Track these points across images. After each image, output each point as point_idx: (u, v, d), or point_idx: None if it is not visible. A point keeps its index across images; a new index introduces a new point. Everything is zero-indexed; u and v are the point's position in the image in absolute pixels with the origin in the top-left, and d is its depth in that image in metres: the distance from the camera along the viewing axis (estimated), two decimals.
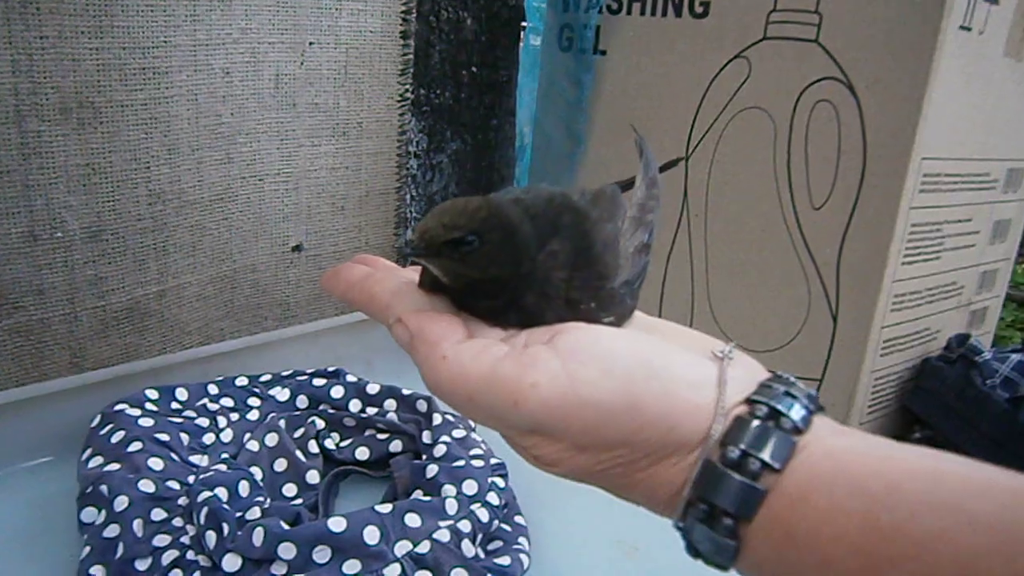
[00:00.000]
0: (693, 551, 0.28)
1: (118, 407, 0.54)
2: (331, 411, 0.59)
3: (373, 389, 0.60)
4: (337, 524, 0.43)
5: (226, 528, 0.44)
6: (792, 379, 0.29)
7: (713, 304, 0.73)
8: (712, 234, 0.72)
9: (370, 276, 0.34)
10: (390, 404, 0.59)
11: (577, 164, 0.82)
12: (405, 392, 0.59)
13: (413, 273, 0.35)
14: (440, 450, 0.53)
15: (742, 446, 0.27)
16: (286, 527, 0.43)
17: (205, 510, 0.45)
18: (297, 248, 0.69)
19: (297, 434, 0.56)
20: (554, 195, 0.34)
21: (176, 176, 0.59)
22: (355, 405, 0.59)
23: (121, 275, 0.58)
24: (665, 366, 0.28)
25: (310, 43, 0.64)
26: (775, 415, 0.27)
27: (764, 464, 0.26)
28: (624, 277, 0.33)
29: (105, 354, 0.59)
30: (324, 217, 0.69)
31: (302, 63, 0.64)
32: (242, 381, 0.62)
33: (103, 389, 0.57)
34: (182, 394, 0.58)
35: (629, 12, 0.76)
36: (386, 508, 0.45)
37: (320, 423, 0.57)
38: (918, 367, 0.68)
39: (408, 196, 0.76)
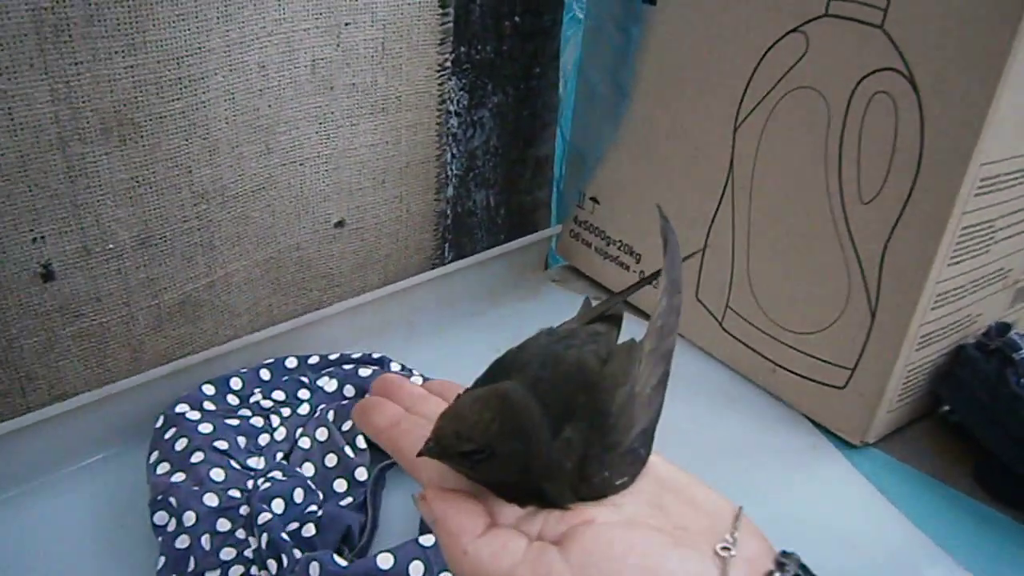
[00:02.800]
0: None
1: (179, 408, 0.58)
2: None
3: (417, 382, 0.62)
4: (385, 561, 0.47)
5: (285, 559, 0.48)
6: (790, 568, 0.30)
7: (752, 279, 0.72)
8: (756, 210, 0.71)
9: (395, 426, 0.37)
10: None
11: (621, 118, 0.80)
12: None
13: (432, 405, 0.38)
14: None
15: None
16: (341, 562, 0.47)
17: (265, 537, 0.49)
18: (340, 224, 0.69)
19: (345, 427, 0.60)
20: (570, 370, 0.34)
21: (218, 175, 0.59)
22: None
23: (172, 274, 0.60)
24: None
25: (346, 24, 0.62)
26: None
27: None
28: (640, 428, 0.34)
29: (162, 346, 0.62)
30: (365, 192, 0.70)
31: (338, 45, 0.62)
32: (291, 362, 0.65)
33: (163, 382, 0.61)
34: (236, 383, 0.62)
35: None
36: (429, 540, 0.49)
37: None
38: (953, 353, 0.68)
39: (449, 155, 0.75)
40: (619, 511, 0.32)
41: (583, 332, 0.38)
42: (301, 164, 0.65)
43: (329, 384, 0.63)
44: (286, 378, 0.63)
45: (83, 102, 0.51)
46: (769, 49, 0.66)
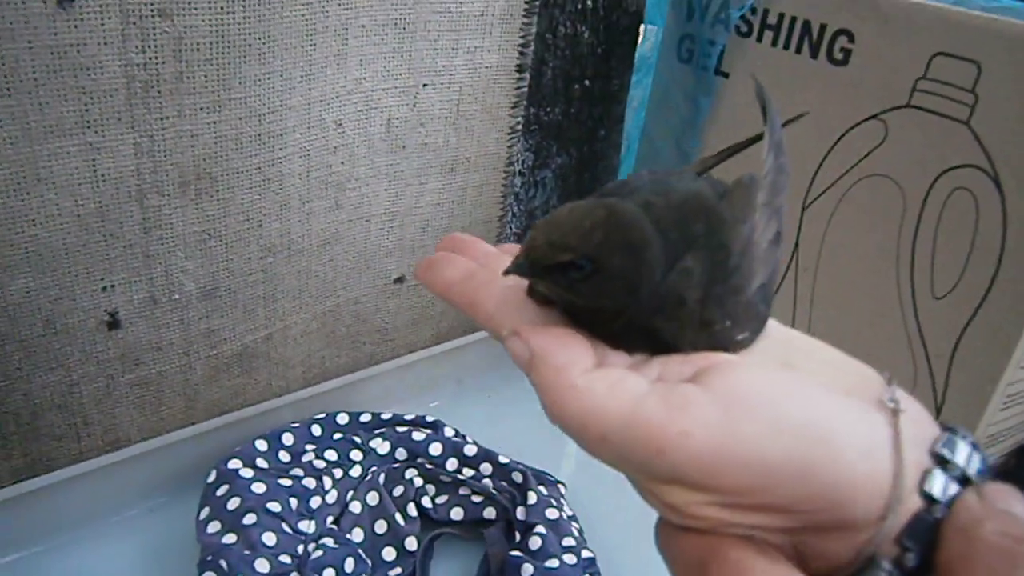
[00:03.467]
0: None
1: (232, 464, 0.57)
2: (428, 467, 0.61)
3: (470, 451, 0.61)
4: None
5: None
6: (968, 448, 0.25)
7: None
8: (819, 292, 0.69)
9: (472, 277, 0.31)
10: (486, 468, 0.61)
11: None
12: (502, 460, 0.61)
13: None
14: (535, 543, 0.54)
15: (920, 554, 0.23)
16: None
17: None
18: (399, 280, 0.69)
19: (397, 492, 0.59)
20: (687, 196, 0.30)
21: (287, 229, 0.59)
22: (452, 464, 0.61)
23: (232, 325, 0.59)
24: (835, 427, 0.24)
25: (424, 85, 0.62)
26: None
27: None
28: (759, 281, 0.29)
29: (216, 396, 0.61)
30: (427, 249, 0.69)
31: (414, 106, 0.62)
32: (343, 419, 0.65)
33: (215, 434, 0.60)
34: (288, 439, 0.61)
35: (760, 39, 0.70)
36: None
37: (418, 480, 0.60)
38: (1016, 453, 0.67)
39: (510, 214, 0.74)
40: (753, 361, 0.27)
41: (690, 173, 0.34)
42: (367, 220, 0.64)
43: (382, 446, 0.62)
44: (339, 436, 0.62)
45: (165, 156, 0.51)
46: (846, 132, 0.65)
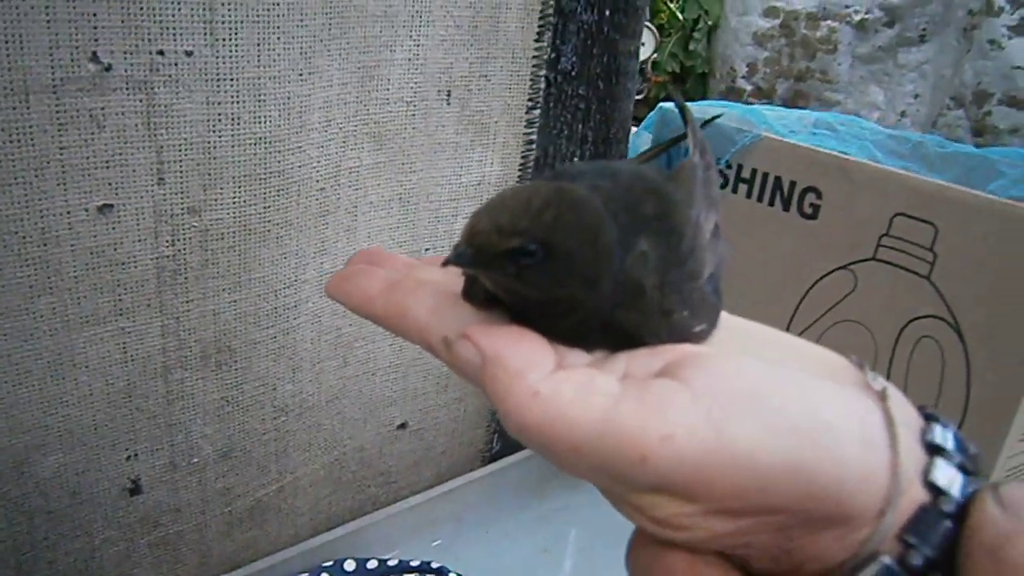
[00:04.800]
0: None
1: None
2: None
3: None
4: None
5: None
6: (948, 427, 0.24)
7: None
8: None
9: (396, 287, 0.27)
10: None
11: None
12: None
13: (439, 275, 0.27)
14: None
15: (929, 553, 0.22)
16: None
17: None
18: (402, 426, 0.72)
19: None
20: (633, 177, 0.27)
21: (299, 389, 0.63)
22: None
23: (246, 482, 0.62)
24: (832, 417, 0.22)
25: (425, 249, 0.66)
26: (962, 515, 0.22)
27: None
28: (709, 270, 0.28)
29: (229, 550, 0.63)
30: (429, 396, 0.72)
31: None
32: (350, 565, 0.67)
33: None
34: None
35: (735, 191, 0.76)
36: None
37: None
38: None
39: None
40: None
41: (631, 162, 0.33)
42: (373, 374, 0.68)
43: None
44: None
45: (189, 334, 0.55)
46: (819, 280, 0.70)
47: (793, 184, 0.71)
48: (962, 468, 0.23)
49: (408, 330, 0.26)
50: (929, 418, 0.25)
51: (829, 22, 2.54)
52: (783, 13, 2.63)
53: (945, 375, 0.63)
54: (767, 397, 0.22)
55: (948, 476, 0.23)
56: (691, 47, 2.85)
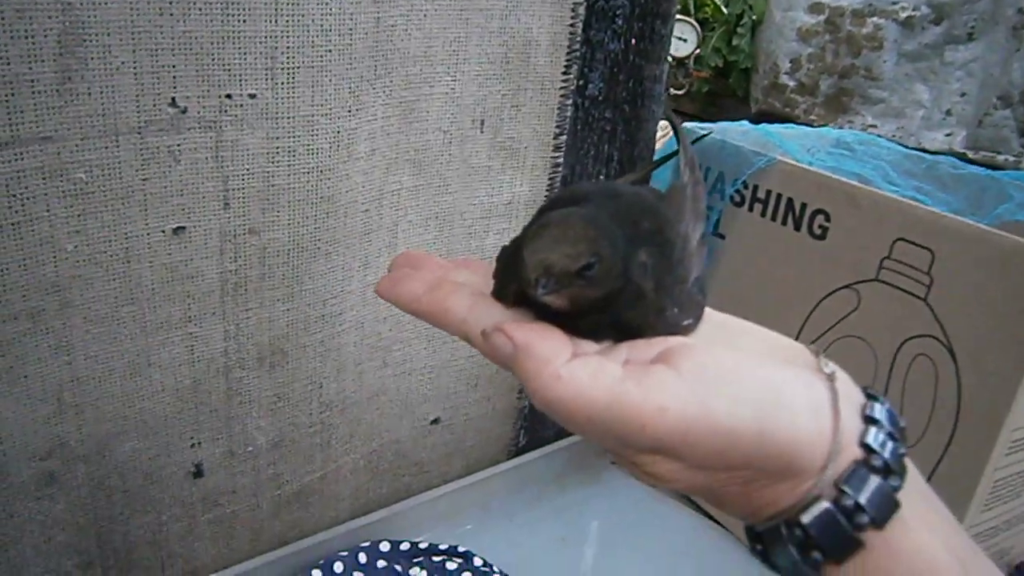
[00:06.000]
0: (761, 555, 0.31)
1: None
2: None
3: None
4: None
5: None
6: (884, 405, 0.31)
7: None
8: None
9: (438, 287, 0.33)
10: None
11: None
12: None
13: (473, 277, 0.35)
14: None
15: (859, 499, 0.28)
16: None
17: None
18: (435, 421, 0.79)
19: None
20: (632, 197, 0.34)
21: (342, 388, 0.70)
22: None
23: (294, 469, 0.69)
24: (790, 394, 0.29)
25: (462, 257, 0.72)
26: (887, 470, 0.29)
27: (872, 521, 0.28)
28: (695, 273, 0.34)
29: (278, 529, 0.71)
30: (460, 394, 0.79)
31: None
32: (385, 546, 0.74)
33: (277, 563, 0.70)
34: (339, 567, 0.70)
35: (751, 209, 0.81)
36: None
37: None
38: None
39: None
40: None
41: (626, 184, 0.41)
42: (409, 374, 0.74)
43: (420, 575, 0.71)
44: (382, 563, 0.72)
45: (247, 338, 0.62)
46: (825, 297, 0.75)
47: (804, 206, 0.76)
48: (890, 435, 0.30)
49: (449, 324, 0.32)
50: (870, 397, 0.32)
51: (875, 19, 2.53)
52: (828, 9, 2.62)
53: (938, 391, 0.67)
54: (738, 378, 0.29)
55: (878, 440, 0.30)
56: (734, 42, 2.85)
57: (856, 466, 0.29)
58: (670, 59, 2.00)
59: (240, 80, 0.54)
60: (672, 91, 2.43)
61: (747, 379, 0.29)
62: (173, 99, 0.52)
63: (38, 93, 0.47)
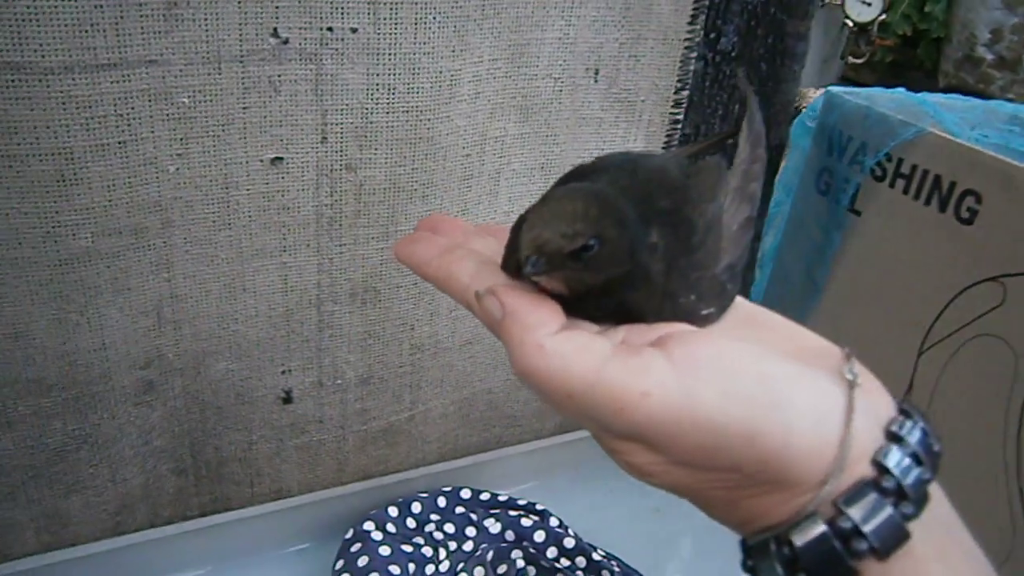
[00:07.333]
0: (750, 569, 0.28)
1: (366, 525, 0.68)
2: (532, 551, 0.69)
3: (569, 543, 0.69)
4: None
5: None
6: (918, 424, 0.27)
7: None
8: None
9: (448, 253, 0.32)
10: (580, 562, 0.68)
11: (809, 311, 0.83)
12: (595, 557, 0.68)
13: (490, 244, 0.33)
14: None
15: (859, 522, 0.25)
16: None
17: None
18: None
19: (501, 570, 0.67)
20: (651, 173, 0.31)
21: (434, 332, 0.70)
22: (552, 552, 0.69)
23: (381, 407, 0.71)
24: (789, 395, 0.26)
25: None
26: (899, 495, 0.25)
27: (872, 550, 0.25)
28: (727, 261, 0.31)
29: (363, 463, 0.72)
30: None
31: None
32: (466, 494, 0.74)
33: (359, 495, 0.72)
34: (416, 507, 0.71)
35: (892, 185, 0.73)
36: None
37: (520, 562, 0.68)
38: None
39: None
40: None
41: (664, 154, 0.38)
42: None
43: (494, 526, 0.71)
44: (460, 510, 0.72)
45: (340, 273, 0.63)
46: (966, 289, 0.67)
47: (953, 185, 0.68)
48: (915, 458, 0.26)
49: (453, 290, 0.32)
50: (904, 413, 0.28)
51: None
52: None
53: None
54: (733, 371, 0.26)
55: (897, 461, 0.26)
56: (927, 8, 2.61)
57: (862, 486, 0.25)
58: (850, 24, 1.85)
59: (342, 13, 0.54)
60: (851, 59, 2.25)
61: (742, 373, 0.26)
62: (275, 29, 0.52)
63: (145, 17, 0.48)
